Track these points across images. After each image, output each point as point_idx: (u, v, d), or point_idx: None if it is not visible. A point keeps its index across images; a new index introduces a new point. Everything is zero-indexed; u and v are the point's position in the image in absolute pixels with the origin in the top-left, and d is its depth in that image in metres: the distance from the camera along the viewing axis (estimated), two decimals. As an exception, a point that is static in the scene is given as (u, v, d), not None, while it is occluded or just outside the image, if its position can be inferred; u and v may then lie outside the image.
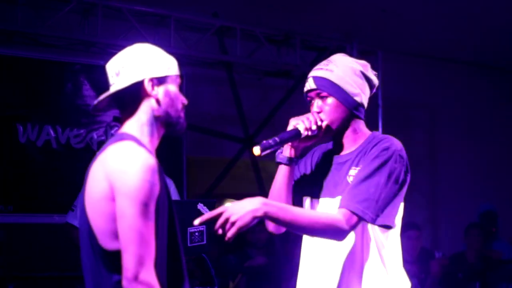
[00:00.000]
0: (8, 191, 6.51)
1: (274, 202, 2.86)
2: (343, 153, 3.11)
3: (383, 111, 8.48)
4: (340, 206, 2.90)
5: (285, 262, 6.91)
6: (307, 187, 3.16)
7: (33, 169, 6.64)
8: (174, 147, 7.18)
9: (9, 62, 6.66)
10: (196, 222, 2.72)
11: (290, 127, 3.01)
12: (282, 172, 3.09)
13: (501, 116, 10.43)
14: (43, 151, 6.65)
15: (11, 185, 6.53)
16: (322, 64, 3.12)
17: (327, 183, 3.09)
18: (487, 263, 7.55)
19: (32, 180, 6.61)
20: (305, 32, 8.14)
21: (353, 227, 2.90)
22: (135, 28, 7.04)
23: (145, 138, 2.64)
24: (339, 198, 2.99)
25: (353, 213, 2.87)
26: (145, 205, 2.44)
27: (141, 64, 2.64)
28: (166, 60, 2.70)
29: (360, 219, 2.89)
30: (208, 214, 2.76)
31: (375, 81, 3.18)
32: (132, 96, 2.65)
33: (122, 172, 2.47)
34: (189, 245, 4.42)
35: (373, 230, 2.99)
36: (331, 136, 3.10)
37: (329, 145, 3.22)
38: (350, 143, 3.10)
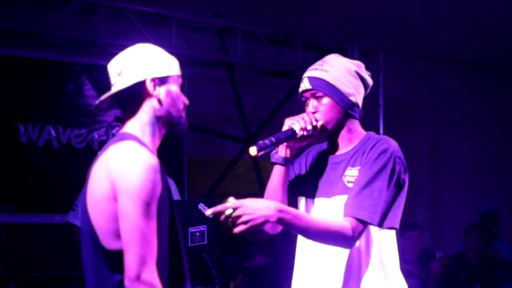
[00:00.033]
0: (9, 191, 6.52)
1: (289, 208, 2.85)
2: (338, 153, 3.12)
3: (384, 111, 8.48)
4: (346, 214, 2.91)
5: (285, 262, 6.92)
6: (302, 187, 3.16)
7: (34, 169, 6.64)
8: (175, 147, 7.18)
9: (10, 62, 6.67)
10: (208, 212, 2.75)
11: (285, 127, 3.02)
12: (277, 172, 3.09)
13: (502, 116, 10.43)
14: (44, 151, 6.66)
15: (12, 185, 6.53)
16: (317, 65, 3.13)
17: (323, 183, 3.10)
18: (488, 263, 7.56)
19: (33, 180, 6.62)
20: (306, 32, 8.14)
21: (361, 234, 2.93)
22: (136, 28, 7.04)
23: (146, 138, 2.65)
24: (335, 198, 3.01)
25: (361, 220, 2.90)
26: (147, 205, 2.45)
27: (143, 64, 2.64)
28: (168, 60, 2.70)
29: (368, 224, 2.92)
30: (222, 206, 2.75)
31: (370, 81, 3.19)
32: (134, 96, 2.66)
33: (124, 171, 2.47)
34: (190, 245, 4.42)
35: (374, 231, 3.00)
36: (327, 136, 3.11)
37: (324, 145, 3.23)
38: (345, 143, 3.11)
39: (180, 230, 2.67)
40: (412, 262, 7.31)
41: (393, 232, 3.07)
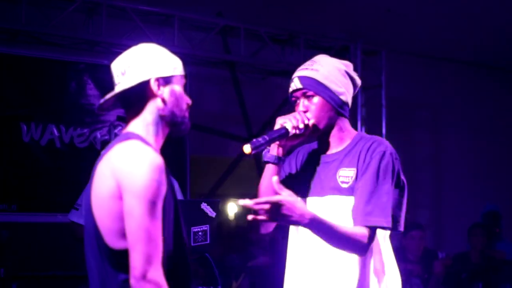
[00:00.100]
0: (12, 190, 6.53)
1: (318, 216, 2.85)
2: (329, 152, 3.13)
3: (387, 111, 8.48)
4: (361, 223, 2.92)
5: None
6: (293, 186, 3.13)
7: (36, 168, 6.64)
8: (177, 146, 7.18)
9: (13, 61, 6.67)
10: (242, 202, 2.74)
11: (277, 126, 3.02)
12: (270, 171, 3.08)
13: (505, 116, 10.42)
14: (46, 150, 6.66)
15: (15, 184, 6.54)
16: (306, 65, 3.15)
17: (314, 182, 3.10)
18: (491, 263, 7.54)
19: (35, 179, 6.62)
20: (309, 31, 8.14)
21: (373, 240, 2.96)
22: (139, 27, 7.05)
23: (150, 138, 2.65)
24: (328, 197, 3.02)
25: (377, 227, 2.94)
26: (152, 204, 2.44)
27: (147, 63, 2.64)
28: (171, 60, 2.71)
29: (385, 229, 2.97)
30: (260, 204, 2.74)
31: (358, 81, 3.20)
32: (138, 96, 2.65)
33: (130, 171, 2.47)
34: (192, 244, 4.42)
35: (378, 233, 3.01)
36: (318, 135, 3.11)
37: (314, 145, 3.23)
38: (336, 142, 3.12)
39: (184, 230, 2.67)
40: (414, 262, 7.30)
41: (388, 233, 3.09)
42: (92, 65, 6.97)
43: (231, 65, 8.07)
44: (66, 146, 6.74)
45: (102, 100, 2.69)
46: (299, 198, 2.86)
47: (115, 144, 2.59)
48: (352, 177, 3.01)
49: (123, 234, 2.47)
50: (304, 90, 3.08)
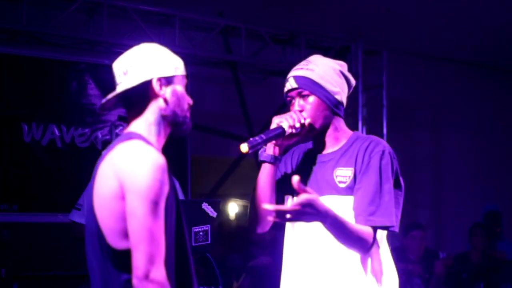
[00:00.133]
0: (13, 190, 6.52)
1: (338, 215, 2.86)
2: (325, 152, 3.14)
3: (388, 111, 8.48)
4: (365, 223, 2.93)
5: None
6: (289, 186, 3.14)
7: (37, 168, 6.64)
8: (178, 146, 7.18)
9: (13, 61, 6.67)
10: (269, 207, 2.72)
11: (273, 126, 3.03)
12: (266, 171, 3.09)
13: (505, 116, 10.42)
14: (47, 150, 6.66)
15: (16, 184, 6.54)
16: (301, 64, 3.16)
17: (311, 182, 3.11)
18: (491, 263, 7.54)
19: (36, 179, 6.62)
20: (310, 31, 8.14)
21: (375, 239, 2.98)
22: (140, 27, 7.05)
23: (152, 137, 2.65)
24: (325, 197, 3.01)
25: (381, 227, 2.97)
26: (155, 204, 2.45)
27: (149, 63, 2.65)
28: (173, 60, 2.71)
29: (388, 229, 3.00)
30: (294, 206, 2.72)
31: (353, 80, 3.22)
32: (140, 96, 2.66)
33: (132, 171, 2.47)
34: (193, 244, 4.42)
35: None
36: (314, 134, 3.12)
37: (309, 145, 3.25)
38: (332, 142, 3.13)
39: (186, 230, 2.67)
40: (415, 262, 7.31)
41: (386, 233, 3.10)
42: (93, 65, 6.96)
43: (232, 65, 8.06)
44: (67, 146, 6.74)
45: (104, 100, 2.69)
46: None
47: (117, 144, 2.59)
48: (349, 176, 3.02)
49: (125, 234, 2.47)
50: (299, 90, 3.09)
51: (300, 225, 3.08)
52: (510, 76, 10.57)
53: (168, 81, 2.67)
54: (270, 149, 3.07)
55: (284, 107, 8.13)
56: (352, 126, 8.35)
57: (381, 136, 8.25)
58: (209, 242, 4.49)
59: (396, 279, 3.13)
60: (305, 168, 3.15)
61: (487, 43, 9.37)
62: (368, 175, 2.97)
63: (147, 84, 2.64)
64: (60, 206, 6.50)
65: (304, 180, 3.10)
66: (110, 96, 2.67)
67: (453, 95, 10.07)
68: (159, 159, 2.50)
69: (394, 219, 2.96)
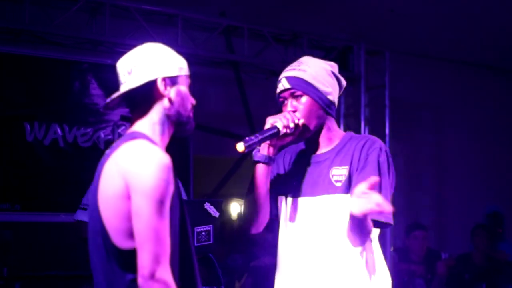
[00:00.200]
0: (15, 190, 6.53)
1: None
2: (319, 152, 3.15)
3: (390, 111, 8.47)
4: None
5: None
6: (282, 186, 3.18)
7: (40, 167, 6.65)
8: (181, 146, 7.18)
9: (16, 61, 6.67)
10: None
11: (267, 126, 3.04)
12: (260, 171, 3.09)
13: (508, 116, 10.41)
14: (50, 150, 6.66)
15: (18, 184, 6.54)
16: (293, 65, 3.18)
17: (306, 182, 3.12)
18: (493, 264, 7.54)
19: (39, 178, 6.62)
20: (313, 32, 8.14)
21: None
22: (142, 27, 7.05)
23: (156, 137, 2.65)
24: (321, 197, 3.04)
25: (379, 221, 2.97)
26: (161, 204, 2.44)
27: (154, 63, 2.65)
28: (178, 61, 2.72)
29: (385, 226, 3.01)
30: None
31: (343, 81, 3.24)
32: (144, 95, 2.66)
33: (138, 170, 2.47)
34: (195, 244, 4.42)
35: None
36: (308, 134, 3.12)
37: (301, 146, 3.26)
38: (326, 142, 3.15)
39: (190, 230, 2.67)
40: (417, 262, 7.31)
41: (378, 231, 3.12)
42: (95, 64, 6.97)
43: (235, 65, 8.06)
44: (70, 146, 6.74)
45: (108, 99, 2.69)
46: None
47: (122, 144, 2.59)
48: (345, 175, 3.04)
49: (130, 234, 2.47)
50: (292, 90, 3.10)
51: (293, 226, 3.11)
52: (513, 77, 10.58)
53: (172, 81, 2.67)
54: (264, 149, 3.08)
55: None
56: (355, 126, 8.35)
57: (384, 136, 8.25)
58: (211, 242, 4.49)
59: (388, 274, 3.14)
60: (299, 169, 3.17)
61: (489, 44, 9.36)
62: (367, 170, 2.99)
63: (151, 84, 2.64)
64: (62, 205, 6.50)
65: (299, 181, 3.13)
66: (114, 95, 2.67)
67: (456, 96, 10.07)
68: (165, 159, 2.50)
69: (391, 217, 2.97)
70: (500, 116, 10.37)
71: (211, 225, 4.47)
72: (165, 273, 2.42)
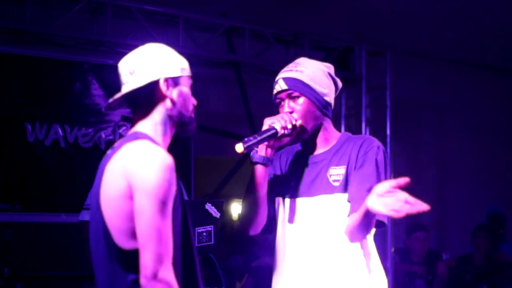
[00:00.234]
0: (16, 190, 6.53)
1: None
2: (316, 152, 3.16)
3: (391, 112, 8.47)
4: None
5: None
6: (279, 188, 3.19)
7: (41, 168, 6.65)
8: (182, 147, 7.18)
9: (17, 61, 6.68)
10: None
11: (265, 127, 3.03)
12: (258, 172, 3.09)
13: (509, 117, 10.41)
14: (51, 150, 6.66)
15: (19, 184, 6.54)
16: (290, 66, 3.18)
17: (304, 183, 3.12)
18: (495, 265, 7.54)
19: (40, 179, 6.62)
20: (314, 32, 8.14)
21: None
22: (144, 27, 7.05)
23: (158, 137, 2.65)
24: (319, 197, 3.06)
25: (379, 221, 2.99)
26: (163, 204, 2.44)
27: (156, 63, 2.65)
28: (180, 61, 2.72)
29: (383, 225, 3.02)
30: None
31: (339, 83, 3.25)
32: (147, 96, 2.66)
33: (141, 171, 2.47)
34: (196, 245, 4.42)
35: None
36: (306, 135, 3.12)
37: (297, 147, 3.26)
38: (323, 143, 3.16)
39: (191, 230, 2.67)
40: (418, 263, 7.31)
41: (374, 231, 3.13)
42: (96, 65, 6.97)
43: (236, 66, 8.06)
44: (71, 146, 6.74)
45: (111, 100, 2.69)
46: None
47: (124, 144, 2.59)
48: (342, 174, 3.05)
49: (133, 234, 2.47)
50: (289, 91, 3.10)
51: (292, 227, 3.11)
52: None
53: (175, 82, 2.67)
54: (262, 150, 3.08)
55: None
56: (356, 127, 8.36)
57: (385, 137, 8.25)
58: (212, 242, 4.49)
59: (383, 273, 3.15)
60: (297, 170, 3.17)
61: (489, 44, 9.36)
62: (365, 168, 3.01)
63: (154, 85, 2.64)
64: (63, 206, 6.51)
65: (297, 182, 3.14)
66: (117, 96, 2.67)
67: (457, 96, 10.06)
68: (168, 159, 2.50)
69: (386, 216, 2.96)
70: (501, 116, 10.36)
71: (212, 226, 4.47)
72: (168, 273, 2.42)
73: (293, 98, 3.10)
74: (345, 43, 8.38)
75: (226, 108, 8.72)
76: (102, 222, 2.55)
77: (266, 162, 3.07)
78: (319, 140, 3.15)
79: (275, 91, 3.15)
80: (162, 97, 2.66)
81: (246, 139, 2.94)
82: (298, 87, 3.08)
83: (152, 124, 2.66)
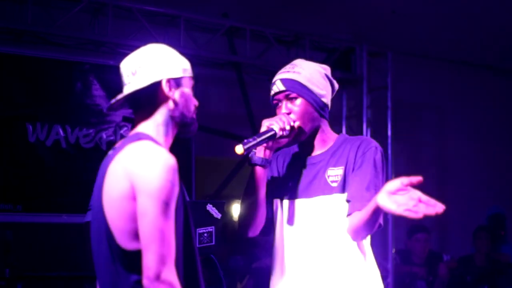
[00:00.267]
0: (17, 190, 6.52)
1: None
2: (314, 154, 3.17)
3: (392, 112, 8.46)
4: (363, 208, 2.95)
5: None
6: (277, 189, 3.19)
7: (42, 168, 6.64)
8: (183, 147, 7.17)
9: (18, 62, 6.67)
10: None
11: (263, 128, 3.04)
12: (257, 174, 3.09)
13: (509, 117, 10.40)
14: (52, 151, 6.65)
15: (20, 185, 6.53)
16: (288, 68, 3.20)
17: (301, 184, 3.13)
18: (495, 266, 7.54)
19: (41, 179, 6.62)
20: (315, 33, 8.14)
21: None
22: (145, 28, 7.05)
23: (160, 138, 2.65)
24: (317, 198, 3.07)
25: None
26: (166, 205, 2.45)
27: (158, 64, 2.65)
28: (182, 62, 2.72)
29: (380, 226, 3.01)
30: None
31: (336, 84, 3.26)
32: (149, 96, 2.66)
33: (144, 171, 2.47)
34: (197, 246, 4.41)
35: None
36: (303, 136, 3.13)
37: (294, 148, 3.27)
38: (320, 144, 3.17)
39: (193, 231, 2.67)
40: (419, 264, 7.31)
41: None
42: (97, 65, 6.96)
43: (237, 66, 8.06)
44: (72, 147, 6.73)
45: (113, 101, 2.69)
46: None
47: (126, 145, 2.59)
48: (341, 175, 3.07)
49: (135, 235, 2.47)
50: (287, 92, 3.11)
51: (291, 228, 3.12)
52: (517, 78, 10.57)
53: (177, 82, 2.67)
54: (260, 152, 3.09)
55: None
56: (357, 128, 8.35)
57: (386, 138, 8.24)
58: (213, 243, 4.49)
59: (378, 273, 3.16)
60: (295, 171, 3.18)
61: (489, 44, 9.36)
62: (364, 167, 3.02)
63: (156, 85, 2.64)
64: (64, 206, 6.51)
65: (295, 183, 3.15)
66: (119, 96, 2.67)
67: (458, 97, 10.06)
68: (170, 160, 2.50)
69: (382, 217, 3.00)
70: (501, 116, 10.36)
71: (213, 227, 4.46)
72: (171, 274, 2.42)
73: (290, 99, 3.10)
74: (346, 44, 8.38)
75: (227, 108, 8.72)
76: (105, 223, 2.54)
77: (265, 163, 3.08)
78: (317, 141, 3.16)
79: (272, 92, 3.16)
80: (164, 98, 2.66)
81: (245, 140, 2.95)
82: (295, 88, 3.09)
83: (154, 125, 2.66)
